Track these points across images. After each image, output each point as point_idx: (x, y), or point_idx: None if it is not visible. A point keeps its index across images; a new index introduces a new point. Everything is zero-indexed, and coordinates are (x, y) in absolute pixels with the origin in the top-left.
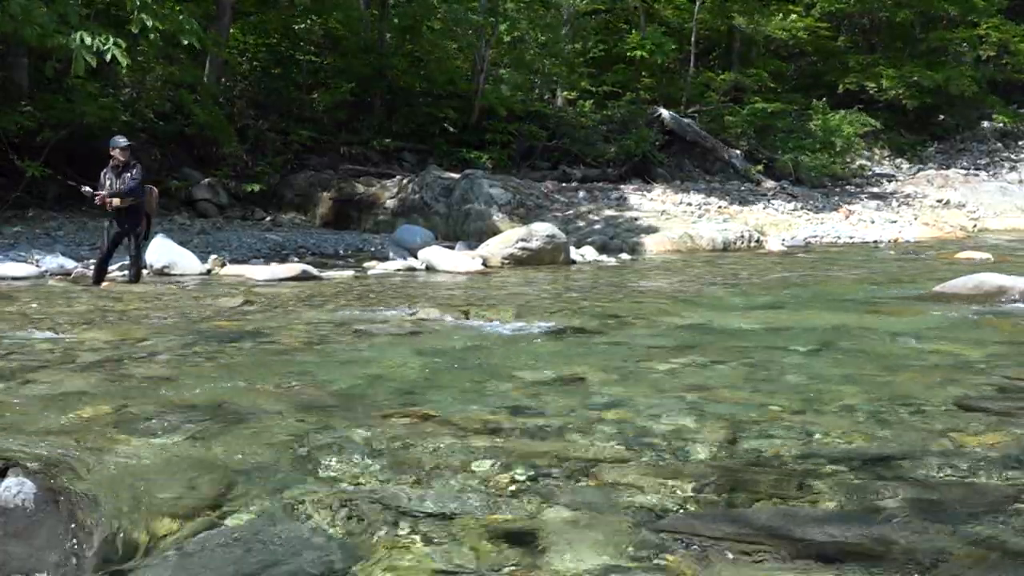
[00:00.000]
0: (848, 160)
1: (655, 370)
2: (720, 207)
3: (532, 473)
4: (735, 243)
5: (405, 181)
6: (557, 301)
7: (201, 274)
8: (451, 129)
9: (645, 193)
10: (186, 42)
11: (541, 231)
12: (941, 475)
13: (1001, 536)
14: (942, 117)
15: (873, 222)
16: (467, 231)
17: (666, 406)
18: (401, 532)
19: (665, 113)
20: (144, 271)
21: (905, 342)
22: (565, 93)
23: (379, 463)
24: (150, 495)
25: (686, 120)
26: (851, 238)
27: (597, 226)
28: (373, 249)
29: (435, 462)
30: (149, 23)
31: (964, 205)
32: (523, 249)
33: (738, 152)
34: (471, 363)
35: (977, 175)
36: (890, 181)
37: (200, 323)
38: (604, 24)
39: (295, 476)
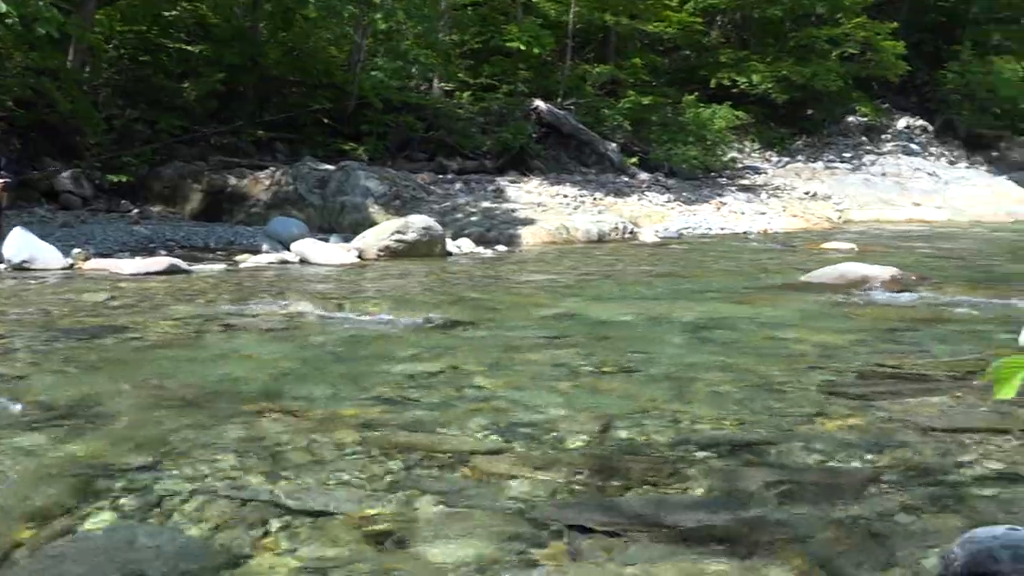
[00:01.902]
0: (720, 153)
1: (530, 361)
2: (596, 199)
3: (405, 466)
4: (610, 234)
5: (279, 173)
6: (433, 293)
7: (64, 269)
8: (326, 120)
9: (522, 185)
10: (43, 31)
11: (417, 223)
12: (805, 459)
13: (861, 518)
14: (810, 112)
15: (743, 213)
16: (342, 223)
17: (540, 397)
18: (271, 531)
19: (542, 105)
20: (0, 266)
21: (773, 330)
22: (442, 84)
23: (248, 461)
24: (3, 499)
25: (563, 113)
26: (722, 229)
27: (474, 218)
28: (245, 242)
29: (306, 458)
30: (3, 8)
31: (830, 197)
32: (399, 241)
33: (614, 145)
34: (344, 357)
35: (842, 168)
36: (760, 173)
37: (62, 319)
38: (482, 16)
39: (159, 476)
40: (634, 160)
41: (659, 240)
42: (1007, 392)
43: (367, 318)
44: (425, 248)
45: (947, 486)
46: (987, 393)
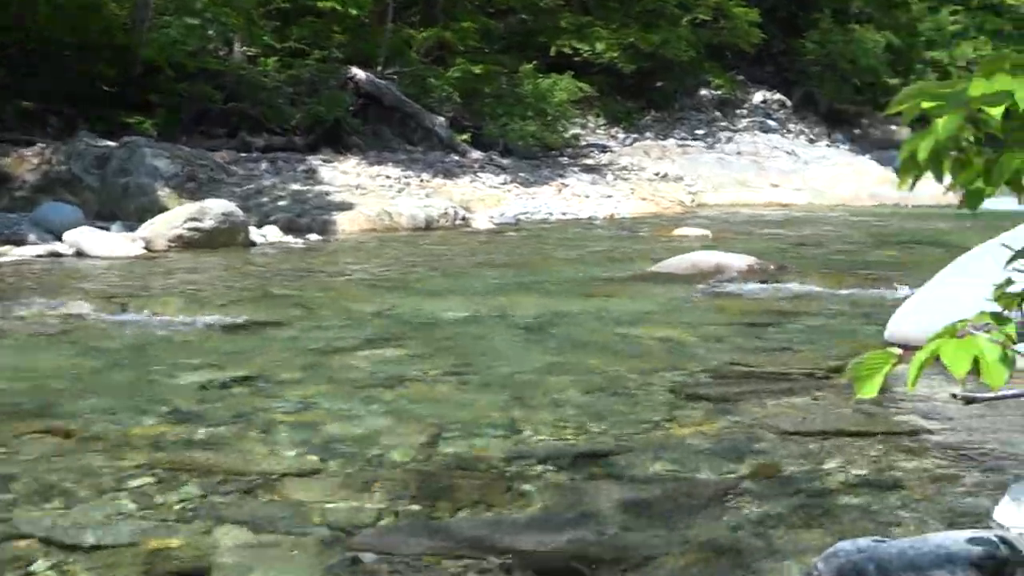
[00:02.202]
0: (561, 129)
1: (347, 366)
2: (422, 180)
3: (201, 491)
4: (439, 220)
5: (49, 150)
6: (234, 290)
7: None
8: (107, 88)
9: (337, 165)
10: None
11: (216, 209)
12: (656, 470)
13: (714, 534)
14: (659, 83)
15: (588, 197)
16: (126, 209)
17: (359, 407)
18: (36, 571)
19: (360, 74)
20: None
21: (620, 327)
22: (244, 49)
23: (15, 489)
24: None
25: (384, 82)
26: (564, 214)
27: (283, 202)
28: (7, 231)
29: (85, 484)
30: None
31: (682, 178)
32: (194, 230)
33: (442, 119)
34: (129, 366)
35: (695, 146)
36: (605, 152)
37: None
38: None
39: None
40: (465, 137)
41: (494, 227)
42: (868, 391)
43: (156, 319)
44: (225, 237)
45: (810, 495)
46: (851, 393)
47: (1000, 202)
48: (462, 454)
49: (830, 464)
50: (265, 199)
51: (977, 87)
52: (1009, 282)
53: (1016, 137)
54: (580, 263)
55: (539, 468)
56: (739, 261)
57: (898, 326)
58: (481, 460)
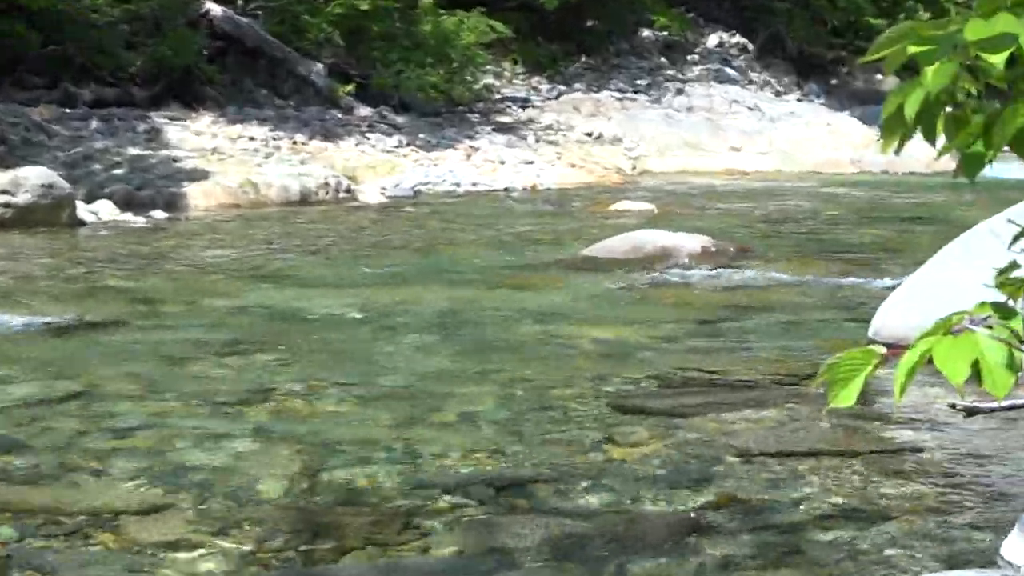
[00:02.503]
0: (470, 79)
1: (202, 377)
2: (296, 143)
3: (17, 534)
4: (317, 194)
5: None
6: (58, 281)
7: None
8: None
9: (189, 124)
10: None
11: (32, 179)
12: (589, 502)
13: None
14: (591, 23)
15: (503, 163)
16: None
17: (217, 428)
18: None
19: (216, 9)
20: None
21: (546, 324)
22: None
23: None
24: None
25: (246, 20)
26: (474, 185)
27: (119, 171)
28: None
29: None
30: None
31: (620, 140)
32: (5, 206)
33: (320, 66)
34: None
35: (636, 100)
36: (525, 107)
37: None
38: None
39: None
40: (349, 88)
41: (387, 201)
42: (844, 399)
43: None
44: (45, 215)
45: (779, 531)
46: (825, 402)
47: (1005, 168)
48: (349, 485)
49: (803, 491)
50: (97, 167)
51: (975, 29)
52: (1015, 265)
53: (1022, 88)
54: (495, 246)
55: (445, 501)
56: (691, 242)
57: (884, 321)
58: (373, 491)
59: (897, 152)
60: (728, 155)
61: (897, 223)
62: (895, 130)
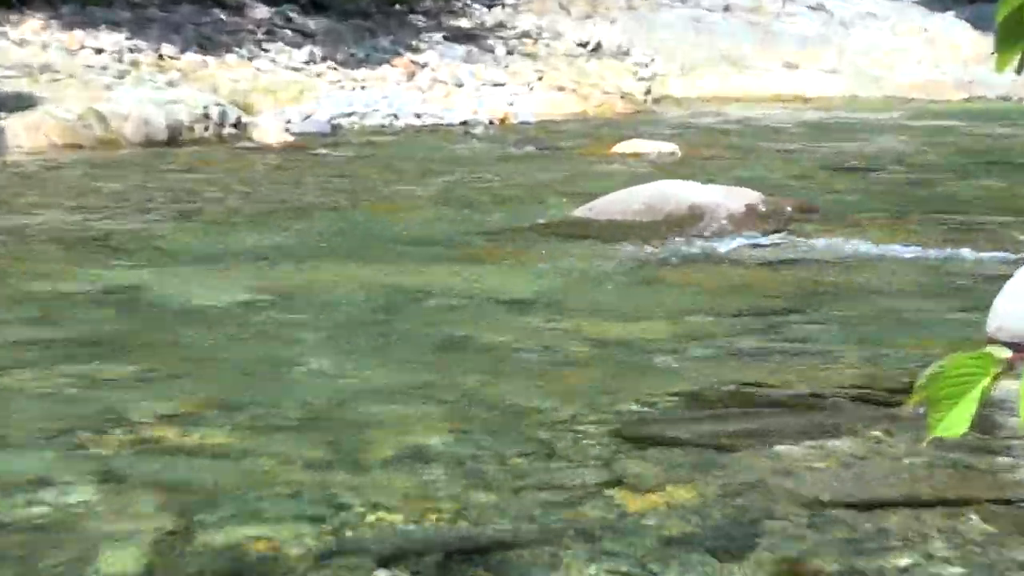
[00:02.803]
0: None
1: (22, 394)
2: (162, 58)
3: None
4: (193, 130)
5: None
6: None
7: None
8: None
9: (7, 30)
10: None
11: None
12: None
13: None
14: None
15: (461, 86)
16: None
17: (42, 469)
18: None
19: None
20: None
21: (520, 319)
22: None
23: None
24: None
25: None
26: (419, 117)
27: None
28: None
29: None
30: None
31: (628, 53)
32: None
33: None
34: None
35: None
36: (492, 6)
37: None
38: None
39: None
40: None
41: (293, 140)
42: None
43: None
44: None
45: None
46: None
47: None
48: (236, 552)
49: (897, 559)
50: None
51: None
52: None
53: None
54: (449, 205)
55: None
56: (730, 199)
57: (1008, 312)
58: (272, 563)
59: (1018, 71)
60: (781, 74)
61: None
62: (1016, 39)
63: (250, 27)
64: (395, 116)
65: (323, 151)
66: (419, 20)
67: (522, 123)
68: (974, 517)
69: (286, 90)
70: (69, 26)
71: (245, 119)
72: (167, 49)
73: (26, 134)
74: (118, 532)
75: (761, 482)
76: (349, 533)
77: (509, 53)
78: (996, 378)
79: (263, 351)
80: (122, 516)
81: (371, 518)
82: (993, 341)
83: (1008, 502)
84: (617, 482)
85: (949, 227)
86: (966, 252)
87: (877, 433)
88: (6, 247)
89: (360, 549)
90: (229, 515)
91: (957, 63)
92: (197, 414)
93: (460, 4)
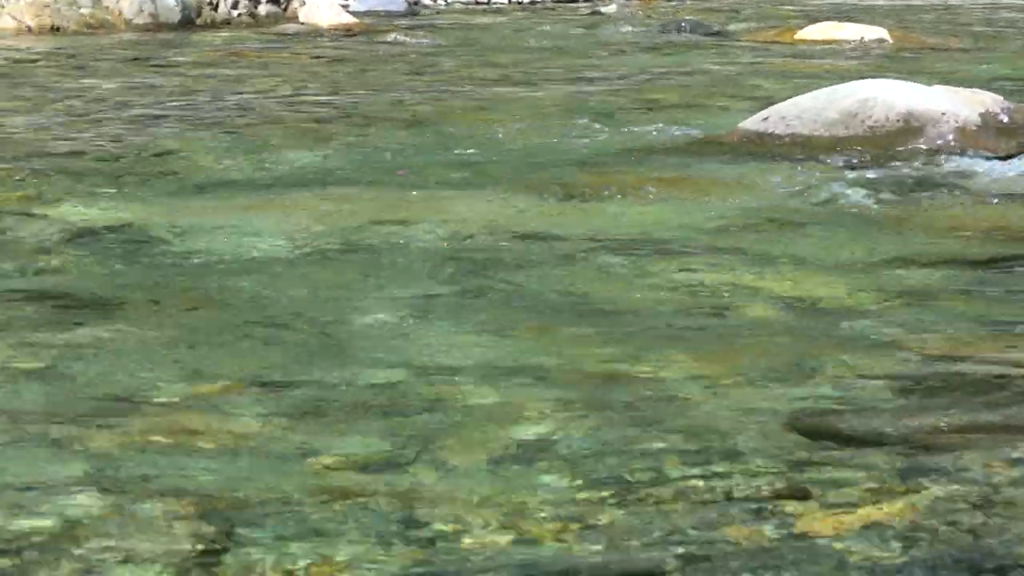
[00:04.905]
0: None
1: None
2: None
3: None
4: (219, 8)
5: None
6: None
7: None
8: None
9: None
10: None
11: None
12: None
13: None
14: None
15: None
16: None
17: (34, 468)
18: None
19: None
20: None
21: (666, 269)
22: None
23: None
24: None
25: None
26: None
27: None
28: None
29: None
30: None
31: None
32: None
33: None
34: None
35: None
36: None
37: None
38: None
39: None
40: None
41: (355, 21)
42: None
43: None
44: None
45: None
46: None
47: None
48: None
49: None
50: None
51: None
52: None
53: None
54: (571, 113)
55: None
56: (961, 106)
57: None
58: None
59: None
60: None
61: None
62: None
63: None
64: None
65: (395, 37)
66: None
67: (673, 2)
68: None
69: None
70: None
71: None
72: None
73: None
74: (130, 551)
75: (993, 494)
76: (430, 555)
77: None
78: None
79: (315, 312)
80: (135, 530)
81: (458, 536)
82: None
83: None
84: (796, 493)
85: None
86: None
87: None
88: None
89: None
90: (273, 529)
91: None
92: (230, 396)
93: None
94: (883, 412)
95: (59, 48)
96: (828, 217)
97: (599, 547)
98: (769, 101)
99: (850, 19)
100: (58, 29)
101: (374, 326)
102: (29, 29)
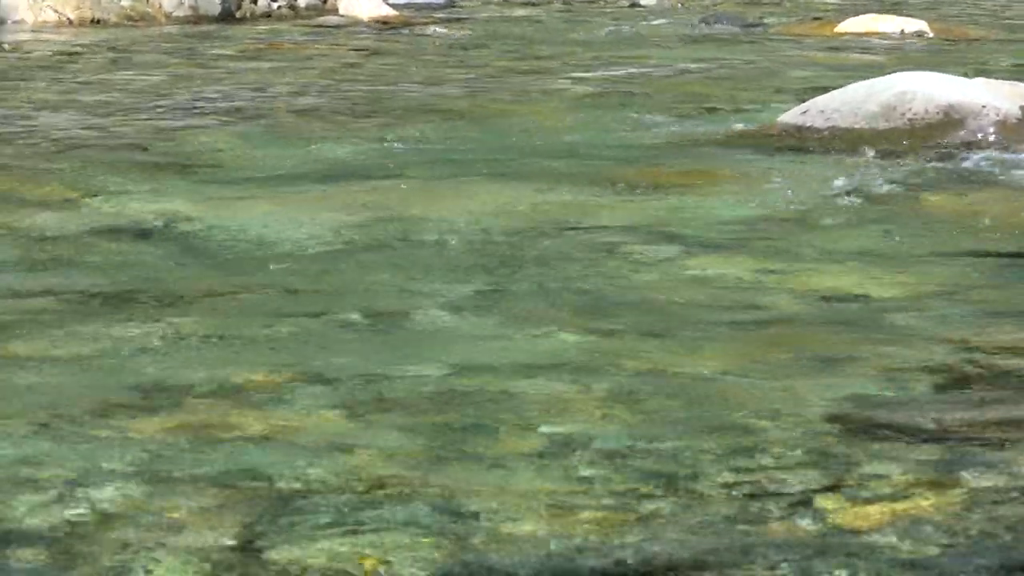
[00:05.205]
0: None
1: (48, 363)
2: None
3: None
4: (256, 1)
5: None
6: None
7: None
8: None
9: None
10: None
11: None
12: None
13: None
14: None
15: None
16: None
17: (61, 452)
18: None
19: None
20: None
21: (708, 263)
22: None
23: None
24: None
25: None
26: None
27: None
28: None
29: None
30: None
31: None
32: None
33: None
34: None
35: None
36: None
37: None
38: None
39: None
40: None
41: (395, 14)
42: None
43: None
44: None
45: None
46: None
47: None
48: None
49: None
50: None
51: None
52: None
53: None
54: (611, 106)
55: None
56: (1003, 99)
57: None
58: None
59: None
60: None
61: None
62: None
63: None
64: None
65: (434, 30)
66: None
67: None
68: None
69: None
70: None
71: None
72: None
73: (29, 10)
74: (169, 543)
75: None
76: (478, 549)
77: None
78: None
79: (358, 303)
80: (174, 522)
81: (506, 530)
82: None
83: None
84: (837, 486)
85: None
86: None
87: None
88: (5, 164)
89: (491, 570)
90: (317, 523)
91: None
92: (272, 388)
93: None
94: (923, 405)
95: (100, 41)
96: (867, 210)
97: (639, 540)
98: (808, 94)
99: (890, 11)
100: (99, 22)
101: (416, 318)
102: (70, 21)
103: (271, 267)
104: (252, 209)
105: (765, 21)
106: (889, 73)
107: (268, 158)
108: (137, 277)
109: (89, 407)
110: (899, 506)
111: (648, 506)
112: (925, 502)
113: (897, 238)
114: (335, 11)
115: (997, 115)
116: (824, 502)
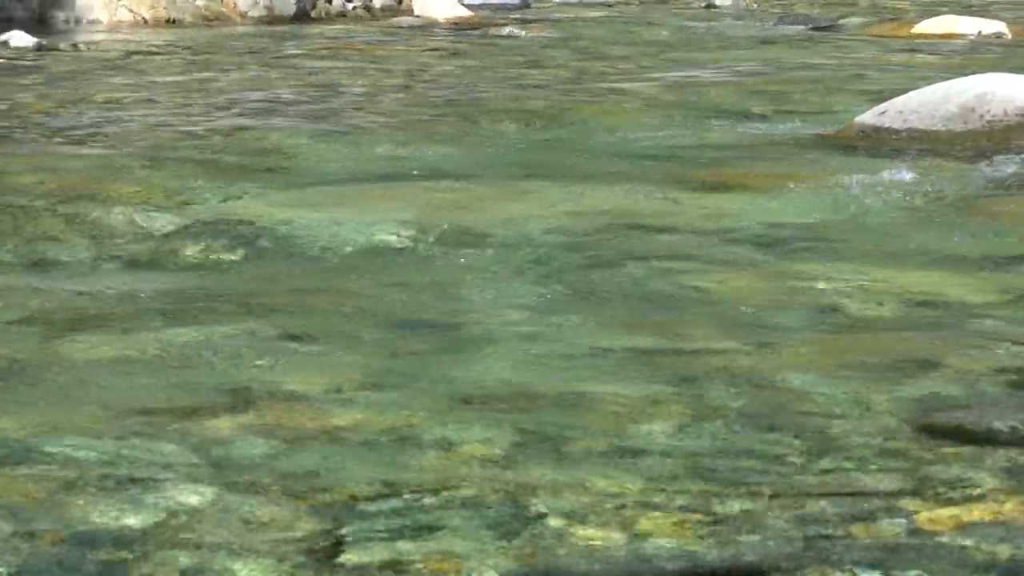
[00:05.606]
0: None
1: (108, 365)
2: None
3: None
4: (333, 0)
5: None
6: None
7: None
8: None
9: None
10: None
11: None
12: None
13: None
14: None
15: None
16: None
17: (135, 453)
18: None
19: None
20: None
21: (785, 266)
22: None
23: None
24: None
25: None
26: None
27: None
28: None
29: None
30: None
31: None
32: None
33: None
34: None
35: None
36: None
37: None
38: None
39: None
40: None
41: (470, 15)
42: None
43: None
44: None
45: None
46: None
47: None
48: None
49: None
50: None
51: None
52: None
53: None
54: (685, 107)
55: None
56: None
57: None
58: None
59: None
60: None
61: None
62: None
63: None
64: None
65: (510, 30)
66: None
67: None
68: None
69: None
70: None
71: None
72: None
73: (104, 9)
74: (243, 546)
75: None
76: (549, 552)
77: None
78: None
79: (429, 305)
80: (248, 525)
81: (577, 533)
82: None
83: None
84: (918, 490)
85: None
86: None
87: None
88: (80, 165)
89: (563, 573)
90: (390, 525)
91: None
92: (342, 390)
93: None
94: (1005, 409)
95: (175, 41)
96: (946, 212)
97: (715, 542)
98: (886, 95)
99: (968, 13)
100: (174, 22)
101: (493, 319)
102: (145, 21)
103: (345, 268)
104: (326, 209)
105: (841, 22)
106: (967, 75)
107: (342, 158)
108: (212, 277)
109: (167, 407)
110: (982, 509)
111: (725, 508)
112: (1009, 505)
113: (977, 240)
114: (410, 12)
115: None
116: (907, 504)
